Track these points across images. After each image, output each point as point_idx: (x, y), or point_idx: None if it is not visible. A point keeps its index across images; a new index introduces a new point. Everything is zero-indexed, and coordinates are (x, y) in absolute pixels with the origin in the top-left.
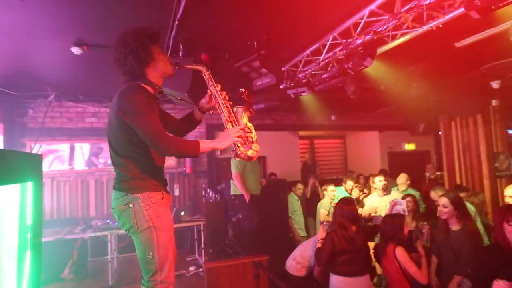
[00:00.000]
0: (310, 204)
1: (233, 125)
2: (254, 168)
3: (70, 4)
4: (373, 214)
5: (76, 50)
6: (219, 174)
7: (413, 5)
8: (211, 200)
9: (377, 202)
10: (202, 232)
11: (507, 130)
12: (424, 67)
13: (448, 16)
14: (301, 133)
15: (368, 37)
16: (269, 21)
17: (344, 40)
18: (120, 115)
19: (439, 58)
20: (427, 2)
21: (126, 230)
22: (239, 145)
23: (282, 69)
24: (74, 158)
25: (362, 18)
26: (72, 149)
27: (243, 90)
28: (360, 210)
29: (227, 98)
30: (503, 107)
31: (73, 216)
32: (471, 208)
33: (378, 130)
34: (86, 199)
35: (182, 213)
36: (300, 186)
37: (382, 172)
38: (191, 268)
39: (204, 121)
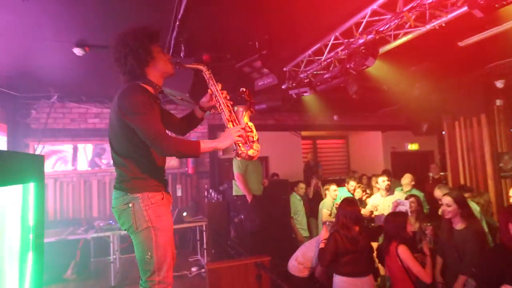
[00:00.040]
0: (312, 204)
1: (234, 124)
2: (256, 168)
3: (71, 5)
4: (375, 213)
5: (77, 51)
6: (221, 174)
7: (415, 4)
8: (213, 201)
9: (380, 202)
10: (204, 233)
11: None
12: (427, 67)
13: (451, 15)
14: (304, 133)
15: (370, 36)
16: (271, 21)
17: (346, 40)
18: (120, 115)
19: (442, 57)
20: (430, 1)
21: (125, 230)
22: (240, 144)
23: (284, 69)
24: (77, 158)
25: (364, 18)
26: (75, 150)
27: (244, 90)
28: (362, 211)
29: (228, 97)
30: (508, 107)
31: (76, 216)
32: (476, 208)
33: (381, 130)
34: (89, 200)
35: (184, 214)
36: (302, 185)
37: (385, 172)
38: (193, 269)
39: (206, 122)
